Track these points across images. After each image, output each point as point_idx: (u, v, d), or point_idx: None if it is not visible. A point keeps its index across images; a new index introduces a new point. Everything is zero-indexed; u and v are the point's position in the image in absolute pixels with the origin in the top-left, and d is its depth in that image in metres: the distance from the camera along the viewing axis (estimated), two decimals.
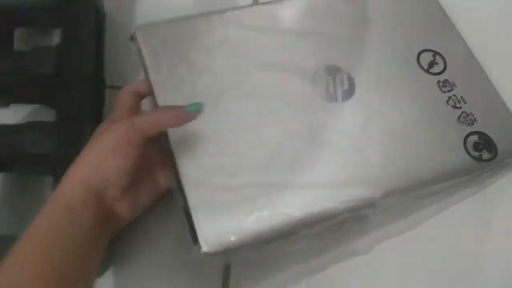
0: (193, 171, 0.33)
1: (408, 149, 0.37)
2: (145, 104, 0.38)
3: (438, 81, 0.41)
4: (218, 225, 0.32)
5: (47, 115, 0.40)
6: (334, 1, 0.43)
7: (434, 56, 0.42)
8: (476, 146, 0.38)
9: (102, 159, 0.30)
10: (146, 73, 0.37)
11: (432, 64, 0.42)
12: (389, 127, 0.38)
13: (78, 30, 0.41)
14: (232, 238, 0.31)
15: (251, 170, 0.34)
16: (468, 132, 0.39)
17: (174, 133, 0.34)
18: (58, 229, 0.28)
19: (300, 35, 0.41)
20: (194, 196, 0.32)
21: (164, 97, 0.36)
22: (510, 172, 0.40)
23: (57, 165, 0.33)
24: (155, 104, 0.36)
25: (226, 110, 0.36)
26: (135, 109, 0.36)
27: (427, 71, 0.41)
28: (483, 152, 0.38)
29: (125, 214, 0.32)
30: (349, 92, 0.39)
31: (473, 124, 0.39)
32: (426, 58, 0.42)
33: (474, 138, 0.39)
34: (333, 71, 0.40)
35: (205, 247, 0.31)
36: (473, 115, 0.40)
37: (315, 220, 0.33)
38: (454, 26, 0.45)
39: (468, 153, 0.38)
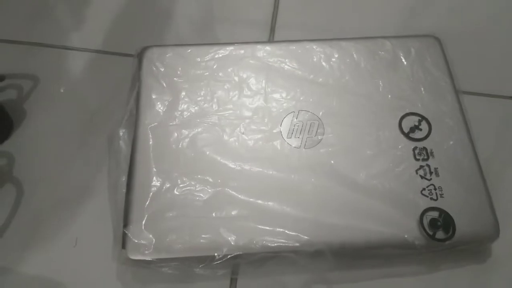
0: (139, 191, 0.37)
1: (360, 208, 0.37)
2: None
3: (415, 148, 0.40)
4: (145, 239, 0.35)
5: None
6: (324, 51, 0.44)
7: (419, 121, 0.41)
8: (433, 223, 0.36)
9: None
10: (138, 92, 0.42)
11: (414, 129, 0.41)
12: (348, 182, 0.38)
13: None
14: (152, 252, 0.35)
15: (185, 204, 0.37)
16: (428, 206, 0.37)
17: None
18: None
19: (284, 80, 0.43)
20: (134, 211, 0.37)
21: (146, 117, 0.41)
22: (469, 263, 0.38)
23: None
24: (136, 118, 0.41)
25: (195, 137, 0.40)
26: None
27: (406, 134, 0.40)
28: (439, 231, 0.36)
29: None
30: (315, 140, 0.40)
31: (436, 199, 0.37)
32: (409, 121, 0.41)
33: (434, 214, 0.37)
34: (303, 115, 0.41)
35: (129, 254, 0.35)
36: (441, 191, 0.38)
37: (236, 252, 0.35)
38: (456, 96, 0.42)
39: (423, 228, 0.36)
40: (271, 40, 0.49)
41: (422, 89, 0.43)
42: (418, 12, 0.51)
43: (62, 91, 0.46)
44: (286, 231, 0.35)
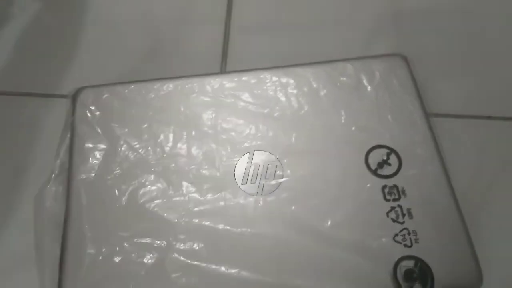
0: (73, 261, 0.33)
1: (325, 264, 0.33)
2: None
3: (384, 186, 0.36)
4: None
5: None
6: (280, 81, 0.40)
7: (388, 154, 0.37)
8: (408, 275, 0.32)
9: None
10: (70, 141, 0.37)
11: (382, 164, 0.36)
12: (312, 233, 0.34)
13: None
14: None
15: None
16: (402, 256, 0.33)
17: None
18: None
19: (237, 117, 0.39)
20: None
21: (80, 171, 0.36)
22: None
23: None
24: (69, 173, 0.36)
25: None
26: None
27: (374, 171, 0.36)
28: (415, 284, 0.32)
29: None
30: (274, 185, 0.36)
31: (411, 246, 0.33)
32: (377, 155, 0.37)
33: (409, 263, 0.33)
34: (259, 157, 0.37)
35: None
36: (416, 235, 0.34)
37: None
38: (426, 121, 0.38)
39: (396, 281, 0.32)
40: (223, 70, 0.44)
41: (390, 116, 0.39)
42: (383, 29, 0.46)
43: None
44: None
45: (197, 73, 0.41)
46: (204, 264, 0.32)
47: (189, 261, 0.32)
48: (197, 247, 0.33)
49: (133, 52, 0.45)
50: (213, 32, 0.46)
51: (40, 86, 0.43)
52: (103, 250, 0.33)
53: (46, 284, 0.33)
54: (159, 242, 0.33)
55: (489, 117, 0.42)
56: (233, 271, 0.32)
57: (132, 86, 0.40)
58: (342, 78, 0.40)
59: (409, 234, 0.34)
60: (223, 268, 0.32)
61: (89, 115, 0.38)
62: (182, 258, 0.32)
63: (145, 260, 0.33)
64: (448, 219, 0.34)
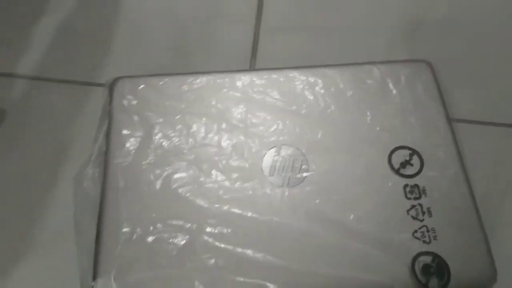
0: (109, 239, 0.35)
1: (347, 255, 0.34)
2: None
3: (406, 185, 0.37)
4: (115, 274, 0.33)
5: None
6: (308, 80, 0.42)
7: (410, 155, 0.38)
8: (425, 269, 0.34)
9: None
10: (107, 127, 0.39)
11: (405, 164, 0.38)
12: (335, 225, 0.35)
13: None
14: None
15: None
16: (420, 251, 0.34)
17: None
18: None
19: (266, 112, 0.40)
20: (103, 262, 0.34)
21: (117, 156, 0.38)
22: None
23: None
24: (106, 157, 0.38)
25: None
26: None
27: (397, 171, 0.38)
28: (432, 278, 0.33)
29: None
30: (299, 178, 0.37)
31: (429, 242, 0.35)
32: (400, 156, 0.38)
33: (427, 259, 0.34)
34: (286, 151, 0.38)
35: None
36: (434, 232, 0.35)
37: None
38: (449, 126, 0.40)
39: (415, 275, 0.34)
40: (252, 67, 0.46)
41: (413, 119, 0.40)
42: (409, 35, 0.48)
43: (25, 125, 0.43)
44: (267, 284, 0.33)
45: (227, 70, 0.44)
46: (232, 247, 0.34)
47: (218, 244, 0.34)
48: (226, 232, 0.35)
49: (167, 47, 0.48)
50: (244, 30, 0.49)
51: (80, 74, 0.45)
52: (137, 229, 0.35)
53: (84, 260, 0.35)
54: (190, 225, 0.35)
55: (510, 125, 0.43)
56: (259, 255, 0.34)
57: (167, 79, 0.42)
58: (368, 81, 0.42)
59: (428, 231, 0.35)
60: (249, 252, 0.34)
61: (126, 103, 0.41)
62: (211, 240, 0.34)
63: (177, 241, 0.34)
64: (465, 219, 0.36)
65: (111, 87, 0.42)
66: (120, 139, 0.39)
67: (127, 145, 0.39)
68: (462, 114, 0.43)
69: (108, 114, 0.40)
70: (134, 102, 0.41)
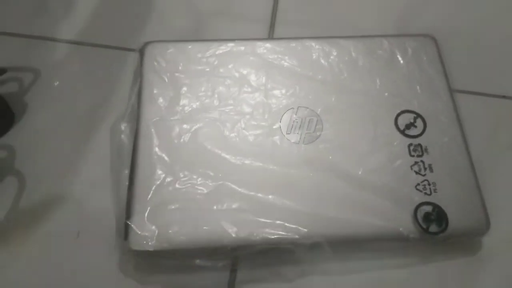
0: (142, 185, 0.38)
1: (357, 202, 0.38)
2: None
3: (410, 144, 0.41)
4: (147, 231, 0.36)
5: None
6: (323, 49, 0.45)
7: (415, 118, 0.42)
8: (426, 217, 0.38)
9: None
10: (139, 87, 0.43)
11: (410, 126, 0.42)
12: (346, 177, 0.39)
13: None
14: (154, 244, 0.35)
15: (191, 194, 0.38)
16: (422, 201, 0.38)
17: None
18: None
19: (284, 77, 0.44)
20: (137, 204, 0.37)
21: (148, 112, 0.41)
22: (460, 256, 0.39)
23: None
24: (138, 113, 0.42)
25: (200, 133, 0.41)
26: None
27: (402, 131, 0.42)
28: (432, 225, 0.38)
29: None
30: (314, 136, 0.41)
31: (430, 194, 0.39)
32: (405, 118, 0.42)
33: (428, 208, 0.38)
34: (302, 112, 0.42)
35: (131, 245, 0.36)
36: (435, 186, 0.39)
37: (237, 244, 0.36)
38: (450, 95, 0.44)
39: (417, 221, 0.38)
40: (270, 37, 0.50)
41: (418, 87, 0.44)
42: (416, 11, 0.52)
43: (56, 84, 0.46)
44: (285, 224, 0.37)
45: (247, 37, 0.47)
46: (253, 193, 0.38)
47: (241, 190, 0.38)
48: (248, 180, 0.39)
49: (192, 14, 0.51)
50: (264, 1, 0.52)
51: (114, 40, 0.49)
52: (168, 176, 0.38)
53: (118, 204, 0.39)
54: (215, 173, 0.39)
55: (503, 97, 0.47)
56: (277, 200, 0.38)
57: (192, 45, 0.46)
58: (378, 51, 0.46)
59: (429, 184, 0.39)
60: (270, 197, 0.38)
61: (156, 65, 0.44)
62: (235, 187, 0.38)
63: (203, 187, 0.38)
64: (463, 175, 0.40)
65: (142, 51, 0.45)
66: (151, 97, 0.42)
67: (158, 102, 0.42)
68: (462, 85, 0.47)
69: (140, 75, 0.44)
70: (164, 64, 0.44)
